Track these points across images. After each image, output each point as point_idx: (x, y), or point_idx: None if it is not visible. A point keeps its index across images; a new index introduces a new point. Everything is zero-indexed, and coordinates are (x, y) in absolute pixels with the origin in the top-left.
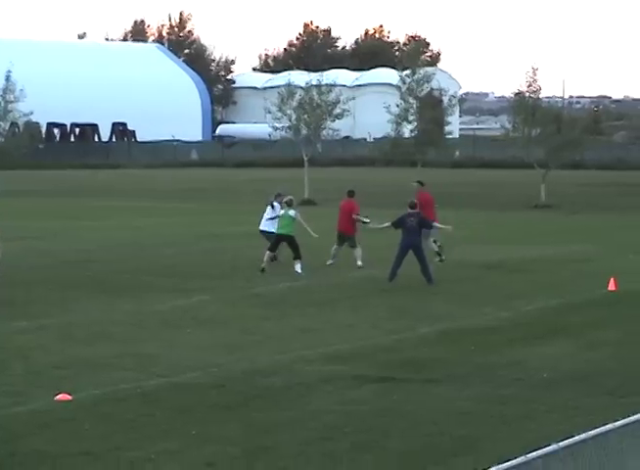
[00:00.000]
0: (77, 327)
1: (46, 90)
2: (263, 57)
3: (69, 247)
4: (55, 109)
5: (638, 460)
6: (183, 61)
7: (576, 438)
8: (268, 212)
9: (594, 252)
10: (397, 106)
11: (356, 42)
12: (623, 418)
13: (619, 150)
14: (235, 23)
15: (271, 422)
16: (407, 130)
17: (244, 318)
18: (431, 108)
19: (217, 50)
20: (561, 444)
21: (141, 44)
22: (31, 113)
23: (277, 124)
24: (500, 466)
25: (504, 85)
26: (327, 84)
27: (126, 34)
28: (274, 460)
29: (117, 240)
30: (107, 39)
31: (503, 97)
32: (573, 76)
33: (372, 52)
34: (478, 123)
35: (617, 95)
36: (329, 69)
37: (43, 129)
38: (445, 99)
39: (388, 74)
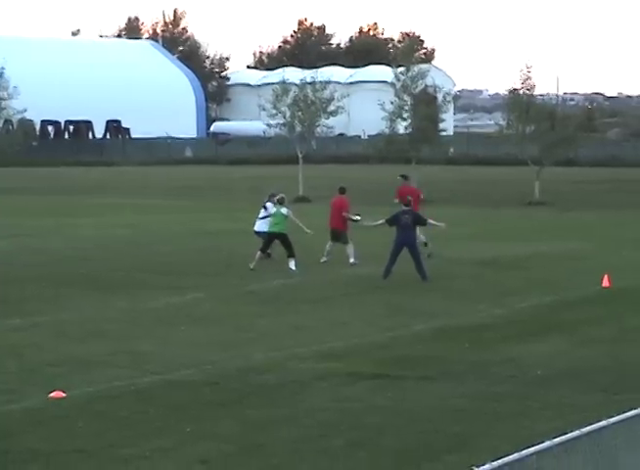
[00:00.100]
0: (71, 325)
1: (40, 87)
2: (258, 54)
3: (63, 244)
4: (49, 106)
5: (632, 457)
6: (177, 58)
7: (570, 435)
8: (261, 213)
9: (588, 249)
10: (392, 103)
11: (350, 39)
12: (617, 415)
13: (613, 147)
14: (229, 20)
15: (265, 419)
16: (401, 127)
17: (238, 316)
18: (425, 105)
19: (211, 47)
20: (555, 440)
21: (135, 41)
22: (25, 110)
23: (271, 122)
24: (494, 463)
25: (498, 82)
26: (321, 81)
27: (120, 31)
28: (268, 457)
29: (111, 237)
30: (101, 36)
31: (497, 94)
32: (567, 73)
33: (366, 49)
34: (472, 120)
35: (610, 92)
36: (323, 66)
37: (37, 127)
38: (439, 96)
39: (382, 72)
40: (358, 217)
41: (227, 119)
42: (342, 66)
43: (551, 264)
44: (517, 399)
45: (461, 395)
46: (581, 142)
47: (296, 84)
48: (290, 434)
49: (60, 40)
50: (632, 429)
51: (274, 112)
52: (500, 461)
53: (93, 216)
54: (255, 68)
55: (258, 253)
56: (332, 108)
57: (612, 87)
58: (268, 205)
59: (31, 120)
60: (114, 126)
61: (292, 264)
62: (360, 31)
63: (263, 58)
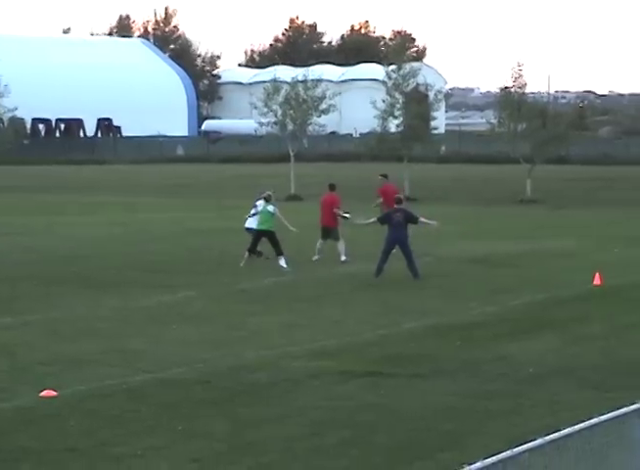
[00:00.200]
0: (62, 323)
1: (31, 86)
2: (249, 52)
3: (55, 243)
4: (40, 104)
5: (623, 454)
6: (169, 56)
7: (562, 432)
8: (252, 211)
9: (579, 246)
10: (383, 101)
11: (342, 37)
12: (609, 413)
13: (604, 145)
14: (220, 19)
15: (257, 418)
16: (393, 125)
17: (229, 314)
18: (416, 103)
19: (203, 45)
20: (546, 438)
21: (126, 39)
22: (16, 108)
23: (263, 120)
24: (486, 461)
25: (490, 81)
26: (313, 80)
27: (111, 30)
28: (260, 456)
29: (103, 236)
30: (92, 35)
31: (489, 92)
32: (559, 72)
33: (358, 47)
34: (463, 119)
35: (602, 90)
36: (315, 64)
37: (28, 125)
38: (431, 94)
39: (373, 70)
40: (348, 215)
41: (219, 118)
42: (334, 64)
43: (543, 262)
44: (508, 396)
45: (453, 392)
46: (573, 140)
47: (287, 82)
48: (281, 432)
49: (51, 38)
50: (623, 427)
51: (266, 110)
52: (492, 459)
53: (84, 215)
54: (247, 66)
55: (246, 252)
56: (323, 106)
57: (603, 85)
58: (258, 203)
59: (22, 119)
60: (105, 125)
61: (282, 262)
62: (352, 29)
63: (255, 56)
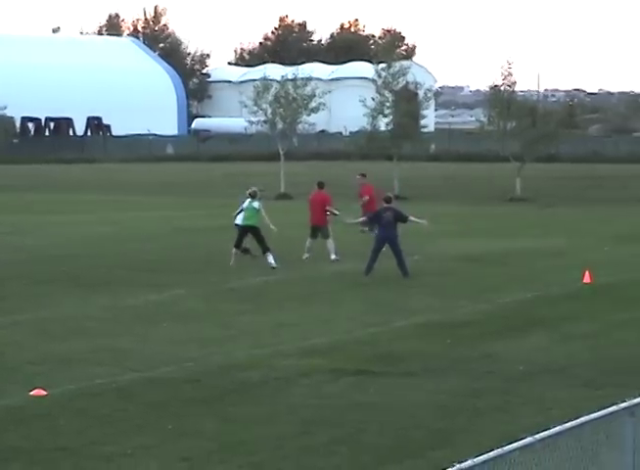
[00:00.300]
0: (52, 322)
1: (20, 85)
2: (239, 51)
3: (44, 242)
4: (29, 103)
5: (613, 452)
6: (158, 55)
7: (552, 430)
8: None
9: (569, 244)
10: (373, 99)
11: (332, 36)
12: (599, 410)
13: (594, 143)
14: (210, 17)
15: (247, 416)
16: (383, 124)
17: (219, 313)
18: (406, 101)
19: (192, 44)
20: (537, 436)
21: (116, 38)
22: (5, 107)
23: (253, 118)
24: (476, 459)
25: (479, 79)
26: (302, 78)
27: (101, 28)
28: (250, 455)
29: (93, 235)
30: (81, 33)
31: (478, 91)
32: (548, 70)
33: (347, 46)
34: (453, 117)
35: (591, 88)
36: (304, 62)
37: (17, 124)
38: (421, 93)
39: (363, 68)
40: (337, 212)
41: (208, 116)
42: (324, 62)
43: (532, 260)
44: (498, 394)
45: (443, 391)
46: (562, 138)
47: (277, 81)
48: (272, 431)
49: (40, 38)
50: (613, 424)
51: (255, 108)
52: (482, 457)
53: (74, 214)
54: (237, 64)
55: (233, 250)
56: (313, 104)
57: (593, 83)
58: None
59: (12, 117)
60: (94, 123)
61: (270, 259)
62: (341, 28)
63: (244, 54)
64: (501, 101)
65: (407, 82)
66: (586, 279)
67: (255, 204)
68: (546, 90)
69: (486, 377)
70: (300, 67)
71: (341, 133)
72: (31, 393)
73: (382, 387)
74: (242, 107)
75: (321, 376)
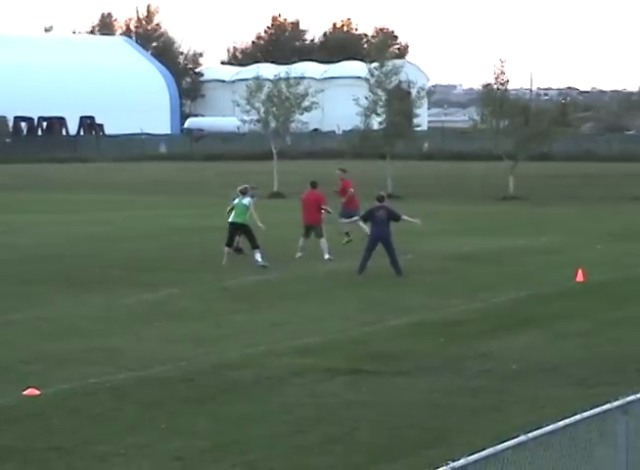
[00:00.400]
0: (45, 322)
1: (13, 84)
2: (232, 50)
3: (37, 241)
4: (22, 102)
5: (607, 450)
6: (151, 54)
7: (545, 429)
8: None
9: (562, 243)
10: (366, 98)
11: (324, 35)
12: (592, 408)
13: (587, 141)
14: (203, 16)
15: (241, 416)
16: (376, 123)
17: (213, 312)
18: (399, 100)
19: (185, 43)
20: (530, 434)
21: (108, 38)
22: None
23: (246, 117)
24: (470, 458)
25: (472, 77)
26: (295, 77)
27: (94, 28)
28: (244, 453)
29: (86, 234)
30: (74, 33)
31: (471, 89)
32: (541, 68)
33: (340, 45)
34: (446, 115)
35: (584, 86)
36: (297, 61)
37: (10, 123)
38: (414, 91)
39: (356, 67)
40: (331, 210)
41: (201, 115)
42: (317, 61)
43: (525, 259)
44: (492, 393)
45: (436, 389)
46: (555, 137)
47: (270, 80)
48: (265, 430)
49: (33, 37)
50: (607, 423)
51: (248, 107)
52: (475, 456)
53: (67, 213)
54: (229, 63)
55: (225, 248)
56: (306, 103)
57: (585, 82)
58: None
59: (4, 117)
60: (87, 123)
61: (257, 256)
62: (334, 27)
63: (237, 54)
64: (494, 99)
65: (400, 81)
66: (579, 278)
67: (245, 200)
68: (539, 88)
69: (480, 376)
70: (293, 66)
71: (334, 132)
72: (25, 392)
73: (375, 386)
74: (235, 106)
75: (315, 375)
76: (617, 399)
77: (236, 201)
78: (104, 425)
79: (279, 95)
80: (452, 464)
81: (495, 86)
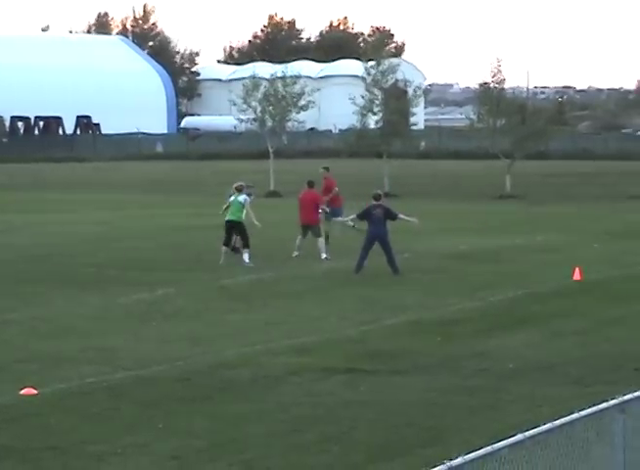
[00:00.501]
0: (41, 321)
1: (9, 84)
2: (228, 49)
3: (33, 241)
4: (19, 102)
5: (604, 449)
6: (147, 53)
7: (543, 427)
8: None
9: (559, 242)
10: (362, 97)
11: (321, 34)
12: (589, 407)
13: (584, 140)
14: (199, 15)
15: (238, 415)
16: (372, 122)
17: (209, 311)
18: (395, 99)
19: (181, 42)
20: (527, 433)
21: (105, 37)
22: None
23: (242, 116)
24: (467, 457)
25: (469, 76)
26: (292, 76)
27: (90, 27)
28: (241, 452)
29: (82, 233)
30: (70, 32)
31: (468, 88)
32: (538, 67)
33: (336, 44)
34: (443, 114)
35: (581, 85)
36: (293, 60)
37: (7, 123)
38: (410, 90)
39: (352, 66)
40: (328, 210)
41: (198, 115)
42: (313, 60)
43: (522, 258)
44: (489, 392)
45: (433, 388)
46: (552, 135)
47: (266, 79)
48: (262, 429)
49: (29, 37)
50: (604, 421)
51: (245, 107)
52: (473, 455)
53: (63, 212)
54: (226, 63)
55: (223, 248)
56: (302, 102)
57: (582, 80)
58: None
59: (1, 117)
60: (84, 122)
61: (245, 257)
62: (330, 26)
63: (233, 53)
64: (491, 98)
65: (396, 80)
66: (576, 276)
67: (241, 198)
68: (535, 87)
69: (477, 375)
70: (290, 65)
71: (330, 131)
72: (22, 392)
73: (372, 385)
74: (231, 105)
75: (311, 374)
76: (615, 398)
77: (232, 198)
78: (101, 424)
79: (275, 94)
80: (449, 463)
81: (492, 85)
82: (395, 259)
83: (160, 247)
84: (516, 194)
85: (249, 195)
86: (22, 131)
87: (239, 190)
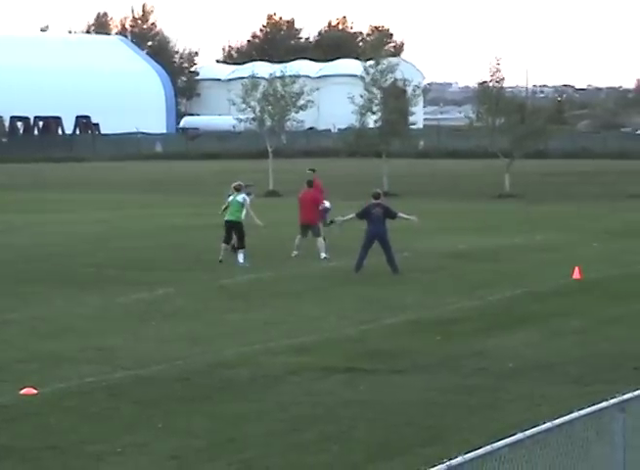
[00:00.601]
0: (41, 321)
1: (9, 84)
2: (227, 48)
3: (33, 241)
4: (18, 102)
5: (603, 448)
6: (146, 53)
7: (542, 427)
8: None
9: (558, 241)
10: (361, 97)
11: (320, 33)
12: (589, 406)
13: (583, 139)
14: (198, 15)
15: (237, 414)
16: (371, 121)
17: (209, 311)
18: (394, 98)
19: (180, 42)
20: (527, 433)
21: (104, 37)
22: None
23: (241, 116)
24: (466, 456)
25: (468, 75)
26: (291, 75)
27: (89, 27)
28: (240, 452)
29: (82, 233)
30: (70, 32)
31: (467, 87)
32: (537, 66)
33: (335, 43)
34: (442, 113)
35: (580, 84)
36: (292, 60)
37: (6, 123)
38: (409, 89)
39: (351, 65)
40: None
41: (197, 114)
42: (312, 60)
43: (522, 257)
44: (488, 391)
45: (433, 388)
46: (551, 134)
47: (265, 79)
48: (262, 428)
49: (29, 37)
50: (604, 421)
51: (244, 106)
52: (472, 454)
53: (63, 212)
54: (225, 62)
55: (223, 245)
56: (301, 102)
57: (581, 79)
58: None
59: (0, 117)
60: (83, 122)
61: (240, 257)
62: (329, 25)
63: (232, 52)
64: (490, 97)
65: (395, 79)
66: (576, 275)
67: (240, 197)
68: (535, 86)
69: (476, 374)
70: (289, 64)
71: (329, 130)
72: (21, 391)
73: (372, 384)
74: (230, 105)
75: (311, 373)
76: (614, 397)
77: (230, 198)
78: (100, 424)
79: (274, 94)
80: (449, 462)
81: (491, 84)
82: (395, 259)
83: (160, 247)
84: (515, 193)
85: (248, 194)
86: (21, 131)
87: (237, 189)
